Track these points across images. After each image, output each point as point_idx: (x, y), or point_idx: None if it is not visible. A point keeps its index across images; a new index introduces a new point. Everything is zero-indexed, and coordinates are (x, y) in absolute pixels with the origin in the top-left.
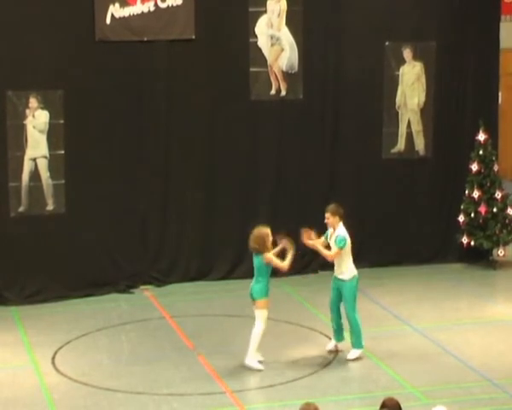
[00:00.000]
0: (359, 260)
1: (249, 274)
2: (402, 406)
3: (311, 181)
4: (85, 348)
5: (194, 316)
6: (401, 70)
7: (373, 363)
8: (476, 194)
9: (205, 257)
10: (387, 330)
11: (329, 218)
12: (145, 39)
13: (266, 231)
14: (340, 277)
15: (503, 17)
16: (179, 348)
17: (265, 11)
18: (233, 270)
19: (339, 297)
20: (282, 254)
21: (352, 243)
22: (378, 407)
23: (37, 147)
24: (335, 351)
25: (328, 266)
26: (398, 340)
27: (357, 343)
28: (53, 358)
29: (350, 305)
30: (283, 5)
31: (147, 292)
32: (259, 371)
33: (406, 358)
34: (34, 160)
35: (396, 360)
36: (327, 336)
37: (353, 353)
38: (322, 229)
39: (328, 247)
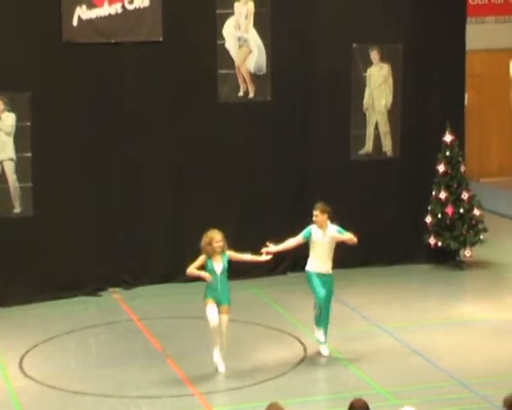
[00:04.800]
0: None
1: None
2: (370, 406)
3: (281, 183)
4: (53, 351)
5: (162, 318)
6: (368, 72)
7: (341, 364)
8: (443, 195)
9: (173, 259)
10: (356, 331)
11: (318, 215)
12: (112, 41)
13: (209, 235)
14: (330, 273)
15: (468, 19)
16: (148, 350)
17: (233, 13)
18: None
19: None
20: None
21: None
22: (346, 408)
23: (3, 150)
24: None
25: (297, 266)
26: (367, 341)
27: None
28: (20, 362)
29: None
30: (251, 7)
31: (115, 295)
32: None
33: (375, 359)
34: (1, 162)
35: (364, 361)
36: (296, 338)
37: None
38: (291, 231)
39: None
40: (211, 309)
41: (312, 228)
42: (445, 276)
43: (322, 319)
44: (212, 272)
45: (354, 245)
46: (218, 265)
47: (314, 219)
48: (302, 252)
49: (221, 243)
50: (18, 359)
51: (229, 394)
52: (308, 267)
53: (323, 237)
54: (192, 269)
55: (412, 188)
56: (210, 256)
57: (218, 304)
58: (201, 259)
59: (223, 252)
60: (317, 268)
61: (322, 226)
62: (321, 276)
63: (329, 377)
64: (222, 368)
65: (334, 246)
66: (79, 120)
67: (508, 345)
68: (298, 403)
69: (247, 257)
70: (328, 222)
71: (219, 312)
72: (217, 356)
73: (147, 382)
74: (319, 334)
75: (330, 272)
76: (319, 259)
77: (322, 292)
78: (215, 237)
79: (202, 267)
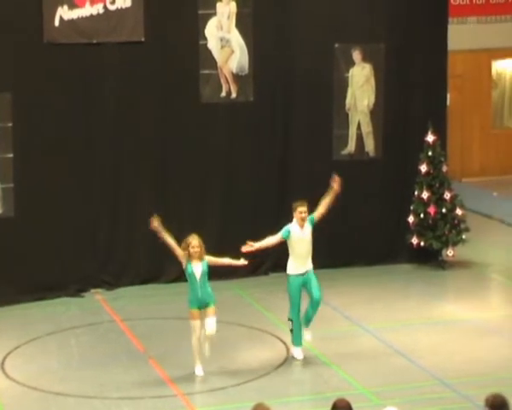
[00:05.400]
0: None
1: None
2: (353, 406)
3: (262, 183)
4: (35, 352)
5: (144, 319)
6: (351, 72)
7: (324, 364)
8: (425, 195)
9: (155, 260)
10: (338, 331)
11: (307, 213)
12: (94, 42)
13: (187, 240)
14: (310, 268)
15: (450, 19)
16: (130, 351)
17: (215, 13)
18: (184, 273)
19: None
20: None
21: None
22: (329, 408)
23: None
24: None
25: (280, 267)
26: (349, 341)
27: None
28: (2, 363)
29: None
30: (233, 7)
31: (98, 296)
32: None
33: (357, 359)
34: None
35: (347, 361)
36: (278, 338)
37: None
38: (273, 230)
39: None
40: (194, 324)
41: (291, 227)
42: (428, 276)
43: (311, 313)
44: (192, 276)
45: (337, 192)
46: (197, 269)
47: (302, 215)
48: (284, 252)
49: (197, 249)
50: (0, 360)
51: (212, 394)
52: (289, 271)
53: (303, 233)
54: (168, 238)
55: (394, 188)
56: (189, 260)
57: (203, 308)
58: (180, 251)
59: (201, 258)
60: (298, 270)
61: (303, 226)
62: (301, 276)
63: (312, 377)
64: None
65: (311, 238)
66: (61, 121)
67: (489, 345)
68: (280, 403)
69: (225, 261)
70: None
71: (206, 315)
72: (199, 370)
73: (129, 383)
74: (306, 334)
75: (311, 266)
76: (300, 258)
77: (296, 301)
78: (192, 242)
79: (175, 252)
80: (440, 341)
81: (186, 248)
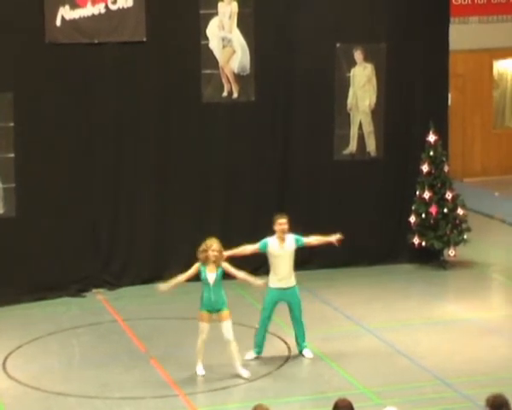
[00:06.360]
0: (311, 261)
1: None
2: (354, 406)
3: (264, 183)
4: (36, 352)
5: (146, 319)
6: (352, 72)
7: (325, 364)
8: (427, 195)
9: (156, 260)
10: (339, 331)
11: (286, 224)
12: (96, 41)
13: (207, 242)
14: (293, 285)
15: (452, 19)
16: (131, 351)
17: (217, 13)
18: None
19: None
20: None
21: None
22: (330, 408)
23: None
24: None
25: None
26: (350, 341)
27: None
28: (4, 363)
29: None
30: (234, 7)
31: (99, 295)
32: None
33: (358, 358)
34: None
35: (348, 361)
36: (279, 338)
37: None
38: (272, 229)
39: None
40: (203, 327)
41: (269, 241)
42: (429, 276)
43: (298, 333)
44: (205, 281)
45: (332, 244)
46: (212, 275)
47: (282, 227)
48: None
49: (217, 254)
50: (1, 360)
51: (213, 394)
52: (270, 284)
53: (282, 249)
54: (177, 279)
55: (396, 188)
56: (204, 264)
57: (215, 312)
58: (194, 267)
59: (217, 263)
60: (277, 284)
61: (284, 237)
62: (283, 290)
63: (313, 377)
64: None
65: (293, 255)
66: (62, 121)
67: (490, 345)
68: (282, 403)
69: (241, 275)
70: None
71: (220, 319)
72: (200, 369)
73: (130, 383)
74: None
75: (294, 283)
76: (280, 273)
77: (266, 313)
78: (212, 245)
79: (196, 276)
80: (441, 341)
81: (205, 251)
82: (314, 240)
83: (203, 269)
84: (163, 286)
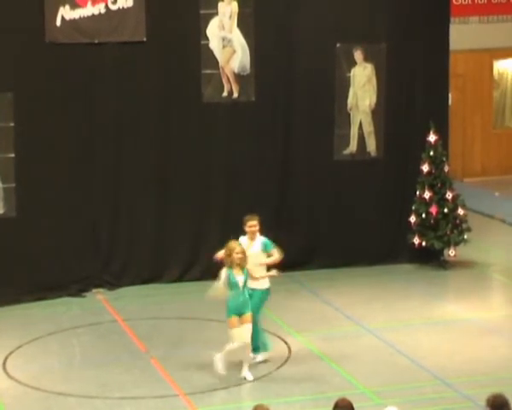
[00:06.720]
0: (311, 261)
1: (201, 277)
2: (354, 406)
3: (264, 183)
4: (36, 352)
5: (146, 319)
6: (352, 72)
7: (325, 364)
8: (427, 194)
9: (157, 260)
10: (340, 331)
11: (257, 226)
12: (96, 41)
13: (229, 246)
14: (260, 288)
15: (452, 19)
16: (132, 351)
17: (217, 13)
18: (185, 273)
19: None
20: None
21: (304, 244)
22: (330, 408)
23: None
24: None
25: (281, 267)
26: (351, 341)
27: (264, 347)
28: (3, 363)
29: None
30: (235, 7)
31: (99, 295)
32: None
33: (358, 358)
34: None
35: (348, 361)
36: (280, 338)
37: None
38: (275, 230)
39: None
40: (234, 333)
41: (241, 240)
42: (429, 276)
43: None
44: (235, 284)
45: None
46: (240, 277)
47: (252, 229)
48: (284, 252)
49: (241, 256)
50: (1, 360)
51: (213, 394)
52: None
53: (251, 248)
54: (221, 288)
55: (396, 188)
56: (231, 268)
57: (240, 315)
58: (224, 272)
59: (242, 265)
60: (249, 283)
61: (254, 239)
62: (251, 290)
63: (313, 376)
64: (250, 377)
65: (262, 258)
66: (62, 121)
67: (490, 345)
68: (282, 403)
69: (257, 275)
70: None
71: (242, 322)
72: (246, 371)
73: (130, 383)
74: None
75: (264, 286)
76: (254, 272)
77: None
78: (236, 247)
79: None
80: (441, 341)
81: (229, 255)
82: (274, 257)
83: (231, 274)
84: (212, 292)
